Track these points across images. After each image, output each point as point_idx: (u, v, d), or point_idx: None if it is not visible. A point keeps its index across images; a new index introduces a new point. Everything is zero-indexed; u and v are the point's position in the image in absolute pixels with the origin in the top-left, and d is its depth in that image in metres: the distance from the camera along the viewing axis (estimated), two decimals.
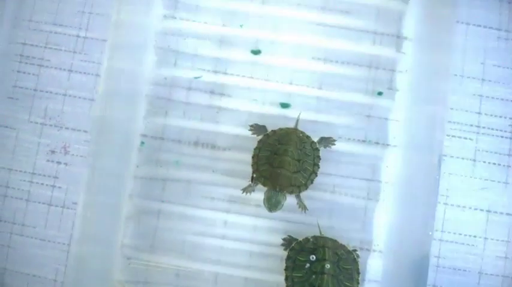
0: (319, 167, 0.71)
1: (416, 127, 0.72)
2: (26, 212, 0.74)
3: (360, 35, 0.76)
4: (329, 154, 0.73)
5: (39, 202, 0.74)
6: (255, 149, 0.71)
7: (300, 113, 0.73)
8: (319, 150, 0.71)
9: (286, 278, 0.67)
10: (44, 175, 0.75)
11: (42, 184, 0.74)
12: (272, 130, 0.72)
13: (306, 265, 0.66)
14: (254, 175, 0.70)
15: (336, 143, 0.73)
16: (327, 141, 0.73)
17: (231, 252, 0.73)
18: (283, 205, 0.69)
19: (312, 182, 0.70)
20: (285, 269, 0.67)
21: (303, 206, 0.71)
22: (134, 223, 0.73)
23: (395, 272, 0.70)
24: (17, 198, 0.74)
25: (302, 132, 0.72)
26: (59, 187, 0.74)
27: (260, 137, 0.72)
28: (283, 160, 0.68)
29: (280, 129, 0.72)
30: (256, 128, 0.73)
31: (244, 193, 0.71)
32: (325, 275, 0.64)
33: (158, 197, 0.74)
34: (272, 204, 0.69)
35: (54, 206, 0.74)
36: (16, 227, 0.73)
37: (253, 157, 0.71)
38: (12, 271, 0.72)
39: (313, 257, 0.66)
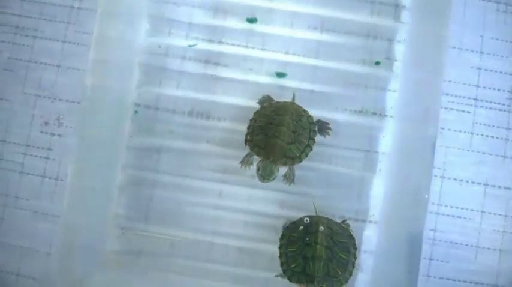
0: (314, 141, 0.70)
1: (414, 98, 0.71)
2: (19, 184, 0.73)
3: (357, 4, 0.75)
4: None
5: (33, 174, 0.74)
6: (250, 120, 0.70)
7: (294, 93, 0.72)
8: (315, 124, 0.71)
9: (281, 255, 0.66)
10: (38, 147, 0.74)
11: (35, 155, 0.74)
12: (269, 102, 0.72)
13: (299, 239, 0.65)
14: (248, 137, 0.69)
15: (330, 133, 0.71)
16: (322, 126, 0.71)
17: (226, 222, 0.72)
18: (276, 175, 0.68)
19: (306, 156, 0.69)
20: (279, 247, 0.67)
21: (291, 178, 0.70)
22: (128, 193, 0.73)
23: (390, 243, 0.69)
24: (10, 170, 0.74)
25: (299, 106, 0.71)
26: (53, 159, 0.74)
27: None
28: (278, 129, 0.67)
29: (277, 102, 0.72)
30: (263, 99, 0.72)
31: (243, 167, 0.70)
32: (318, 246, 0.64)
33: (152, 168, 0.73)
34: (265, 174, 0.67)
35: (47, 178, 0.73)
36: (10, 200, 0.73)
37: (248, 127, 0.70)
38: (5, 244, 0.72)
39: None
